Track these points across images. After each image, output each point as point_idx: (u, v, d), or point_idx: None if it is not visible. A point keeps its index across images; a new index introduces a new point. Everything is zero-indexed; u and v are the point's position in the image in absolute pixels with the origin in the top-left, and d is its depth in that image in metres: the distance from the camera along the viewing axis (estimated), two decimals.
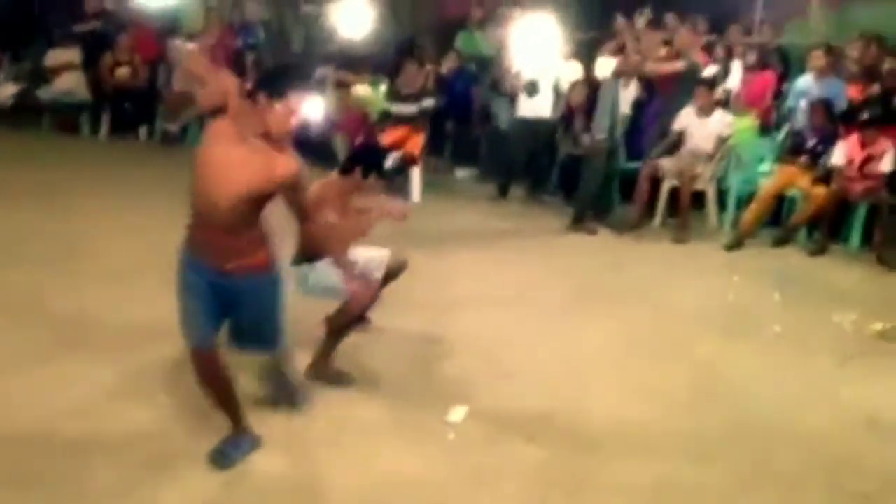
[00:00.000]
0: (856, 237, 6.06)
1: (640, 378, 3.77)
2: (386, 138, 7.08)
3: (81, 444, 2.97)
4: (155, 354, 3.53)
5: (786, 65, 7.35)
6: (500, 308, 4.58)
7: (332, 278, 3.46)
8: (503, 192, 7.41)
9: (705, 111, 6.52)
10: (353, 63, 9.01)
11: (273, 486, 2.83)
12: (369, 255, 3.68)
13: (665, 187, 6.53)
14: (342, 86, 7.70)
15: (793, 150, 6.39)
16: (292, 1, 11.21)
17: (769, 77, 7.17)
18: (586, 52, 7.69)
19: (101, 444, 2.97)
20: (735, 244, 6.07)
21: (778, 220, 6.45)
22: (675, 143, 6.62)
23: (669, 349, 4.14)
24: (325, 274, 3.53)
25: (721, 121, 6.53)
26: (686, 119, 6.57)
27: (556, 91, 7.23)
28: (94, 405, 3.22)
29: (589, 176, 6.50)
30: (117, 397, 3.30)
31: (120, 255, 4.91)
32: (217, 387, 2.89)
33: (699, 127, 6.52)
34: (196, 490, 2.76)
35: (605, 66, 6.75)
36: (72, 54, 9.06)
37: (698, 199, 6.48)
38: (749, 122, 7.10)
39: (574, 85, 7.21)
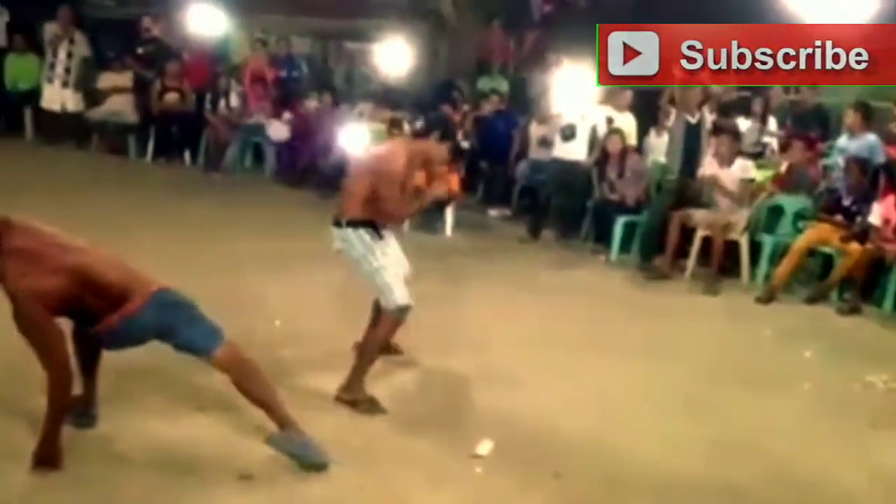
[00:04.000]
0: (889, 300, 6.00)
1: (669, 427, 3.75)
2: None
3: None
4: None
5: (824, 124, 7.36)
6: (529, 347, 4.58)
7: (371, 264, 3.63)
8: (534, 233, 7.46)
9: (726, 160, 6.49)
10: (392, 101, 9.21)
11: None
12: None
13: (697, 237, 6.53)
14: (394, 124, 7.85)
15: (828, 208, 6.38)
16: (336, 37, 11.50)
17: (811, 140, 7.19)
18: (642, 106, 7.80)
19: None
20: (767, 298, 6.04)
21: (812, 276, 6.41)
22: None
23: (699, 400, 4.11)
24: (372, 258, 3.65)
25: (742, 166, 6.51)
26: (710, 168, 6.56)
27: (593, 137, 7.32)
28: None
29: (648, 216, 6.50)
30: None
31: None
32: (260, 376, 3.02)
33: (722, 176, 6.50)
34: None
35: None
36: (124, 78, 9.38)
37: (731, 250, 6.47)
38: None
39: (611, 132, 7.29)
